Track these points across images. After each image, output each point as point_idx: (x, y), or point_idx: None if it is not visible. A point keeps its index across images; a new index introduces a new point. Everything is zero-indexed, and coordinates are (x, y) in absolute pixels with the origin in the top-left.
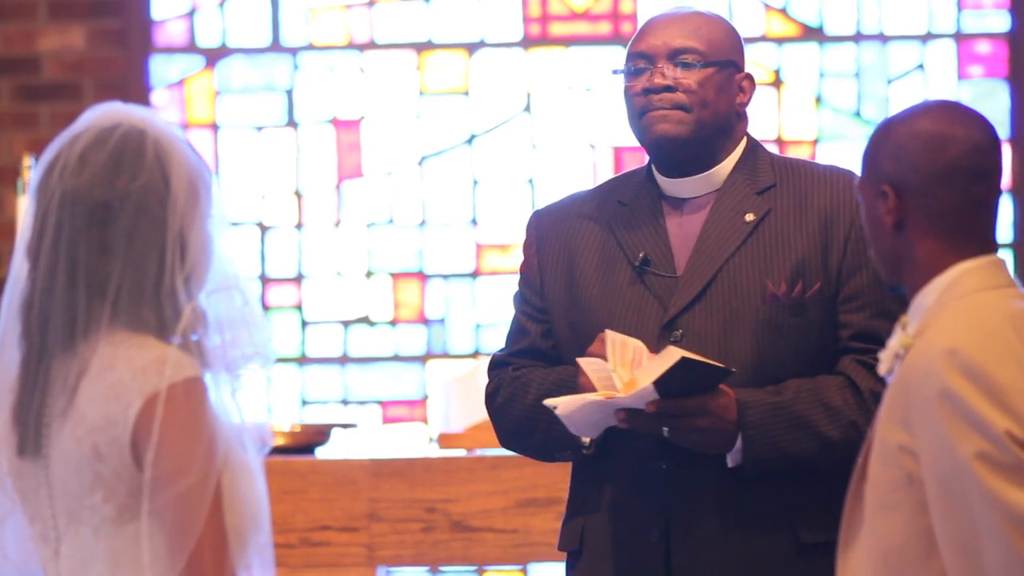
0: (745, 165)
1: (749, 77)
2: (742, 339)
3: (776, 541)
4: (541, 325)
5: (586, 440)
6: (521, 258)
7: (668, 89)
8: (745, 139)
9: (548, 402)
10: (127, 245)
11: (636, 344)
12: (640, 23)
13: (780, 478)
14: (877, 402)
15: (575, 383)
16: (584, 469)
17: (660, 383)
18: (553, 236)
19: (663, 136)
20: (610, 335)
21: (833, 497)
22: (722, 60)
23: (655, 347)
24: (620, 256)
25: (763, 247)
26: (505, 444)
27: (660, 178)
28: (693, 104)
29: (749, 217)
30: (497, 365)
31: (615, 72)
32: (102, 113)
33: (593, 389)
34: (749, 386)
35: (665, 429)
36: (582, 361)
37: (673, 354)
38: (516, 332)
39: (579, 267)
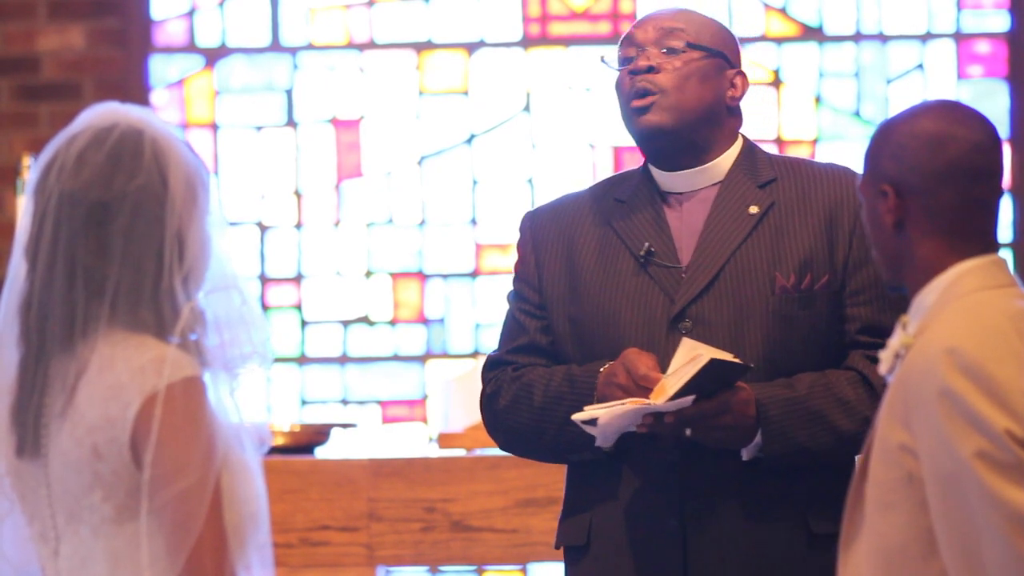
0: (744, 161)
1: (742, 74)
2: (753, 331)
3: (789, 531)
4: (539, 321)
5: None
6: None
7: (651, 70)
8: (741, 138)
9: (580, 416)
10: (125, 245)
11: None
12: None
13: (792, 470)
14: None
15: (583, 382)
16: (588, 466)
17: (687, 385)
18: (550, 234)
19: (647, 127)
20: (688, 343)
21: (843, 489)
22: (709, 48)
23: (664, 338)
24: (621, 248)
25: (769, 239)
26: (507, 447)
27: (656, 172)
28: (673, 86)
29: (753, 209)
30: (494, 365)
31: (602, 61)
32: (99, 113)
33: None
34: (760, 378)
35: (688, 430)
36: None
37: (700, 357)
38: (513, 330)
39: (578, 262)
